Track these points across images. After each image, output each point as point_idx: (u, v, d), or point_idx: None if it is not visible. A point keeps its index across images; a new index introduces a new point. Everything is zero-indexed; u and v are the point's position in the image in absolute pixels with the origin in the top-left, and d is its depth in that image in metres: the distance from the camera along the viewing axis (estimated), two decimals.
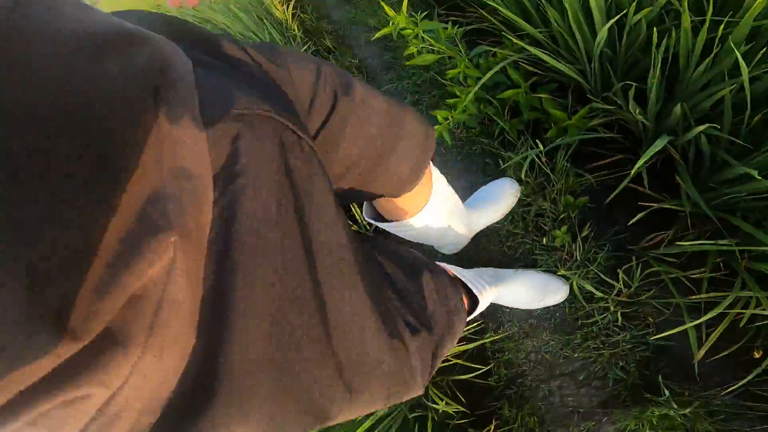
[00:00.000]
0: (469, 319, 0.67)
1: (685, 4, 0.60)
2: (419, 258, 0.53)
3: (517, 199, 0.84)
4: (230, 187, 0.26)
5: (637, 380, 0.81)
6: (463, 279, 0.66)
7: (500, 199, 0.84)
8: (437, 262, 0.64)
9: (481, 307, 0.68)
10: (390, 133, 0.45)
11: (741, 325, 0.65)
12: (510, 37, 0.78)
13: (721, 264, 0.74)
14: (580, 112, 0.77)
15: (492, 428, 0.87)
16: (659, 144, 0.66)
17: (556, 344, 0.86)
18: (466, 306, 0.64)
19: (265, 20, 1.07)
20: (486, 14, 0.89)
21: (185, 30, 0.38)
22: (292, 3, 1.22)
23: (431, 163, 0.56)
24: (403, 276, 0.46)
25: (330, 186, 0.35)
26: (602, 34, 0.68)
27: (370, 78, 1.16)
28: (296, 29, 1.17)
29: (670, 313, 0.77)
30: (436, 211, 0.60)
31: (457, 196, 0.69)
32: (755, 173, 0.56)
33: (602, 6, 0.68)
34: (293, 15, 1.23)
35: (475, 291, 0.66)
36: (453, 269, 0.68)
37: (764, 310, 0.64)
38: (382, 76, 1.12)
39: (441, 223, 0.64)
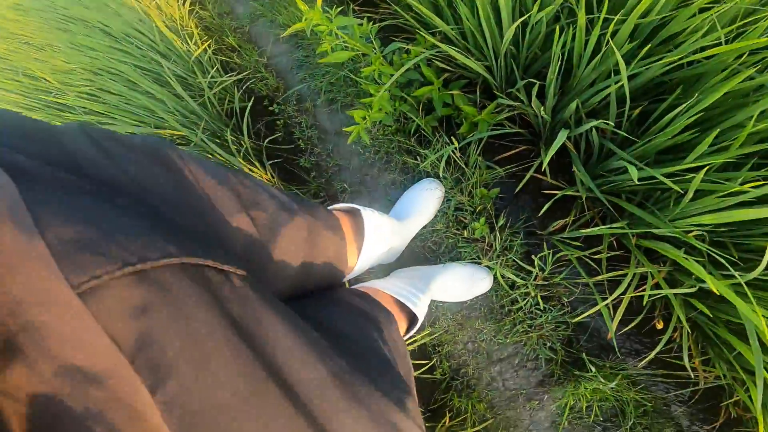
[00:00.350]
0: (411, 333, 0.68)
1: (583, 3, 0.64)
2: (361, 311, 0.50)
3: (442, 196, 0.86)
4: (167, 387, 0.20)
5: (565, 358, 0.87)
6: (399, 298, 0.66)
7: (427, 202, 0.85)
8: (367, 288, 0.64)
9: (420, 320, 0.69)
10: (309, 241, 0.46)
11: (644, 302, 0.72)
12: (423, 33, 0.78)
13: (615, 243, 0.82)
14: (488, 107, 0.80)
15: (446, 420, 0.89)
16: (561, 138, 0.71)
17: (489, 332, 0.90)
18: (405, 324, 0.66)
19: (152, 17, 0.95)
20: (400, 10, 0.90)
21: (20, 129, 0.26)
22: None
23: (356, 212, 0.61)
24: (374, 356, 0.43)
25: (277, 310, 0.30)
26: (510, 31, 0.72)
27: (280, 78, 1.10)
28: (193, 27, 1.06)
29: (579, 291, 0.84)
30: (373, 245, 0.62)
31: (387, 219, 0.69)
32: (634, 170, 0.62)
33: (509, 4, 0.71)
34: (190, 11, 1.12)
35: (412, 308, 0.66)
36: (384, 287, 0.67)
37: (659, 285, 0.72)
38: (294, 76, 1.07)
39: (381, 249, 0.66)
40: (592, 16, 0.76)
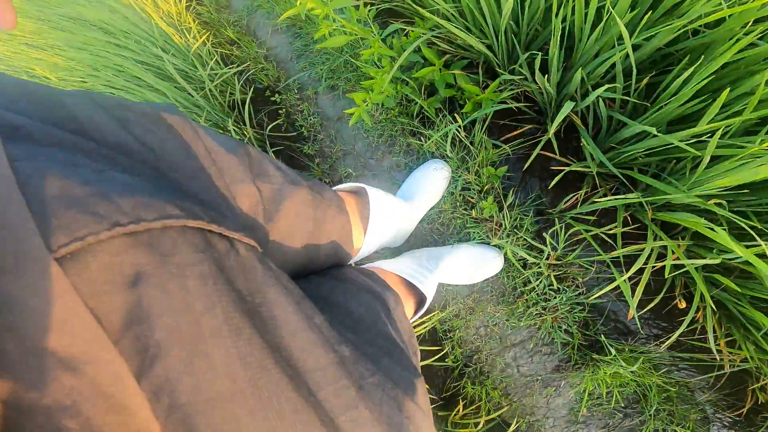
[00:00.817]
0: (420, 314, 0.68)
1: None
2: (368, 288, 0.49)
3: (449, 176, 0.85)
4: (153, 372, 0.18)
5: (582, 342, 0.85)
6: (406, 277, 0.65)
7: (434, 182, 0.85)
8: (373, 268, 0.64)
9: (429, 301, 0.69)
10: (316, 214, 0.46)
11: (666, 274, 0.69)
12: (424, 13, 0.79)
13: (629, 219, 0.81)
14: (492, 85, 0.80)
15: (460, 408, 0.87)
16: (566, 109, 0.70)
17: (502, 316, 0.88)
18: (413, 304, 0.66)
19: (151, 14, 0.97)
20: None
21: (21, 90, 0.24)
22: None
23: (362, 192, 0.60)
24: (383, 338, 0.41)
25: (284, 286, 0.27)
26: (508, 6, 0.72)
27: (280, 68, 1.11)
28: (191, 22, 1.08)
29: (594, 270, 0.83)
30: (379, 226, 0.61)
31: (393, 199, 0.69)
32: (653, 130, 0.61)
33: None
34: (187, 8, 1.14)
35: (420, 286, 0.66)
36: (392, 267, 0.67)
37: (678, 259, 0.70)
38: (294, 65, 1.08)
39: (387, 231, 0.65)
40: None
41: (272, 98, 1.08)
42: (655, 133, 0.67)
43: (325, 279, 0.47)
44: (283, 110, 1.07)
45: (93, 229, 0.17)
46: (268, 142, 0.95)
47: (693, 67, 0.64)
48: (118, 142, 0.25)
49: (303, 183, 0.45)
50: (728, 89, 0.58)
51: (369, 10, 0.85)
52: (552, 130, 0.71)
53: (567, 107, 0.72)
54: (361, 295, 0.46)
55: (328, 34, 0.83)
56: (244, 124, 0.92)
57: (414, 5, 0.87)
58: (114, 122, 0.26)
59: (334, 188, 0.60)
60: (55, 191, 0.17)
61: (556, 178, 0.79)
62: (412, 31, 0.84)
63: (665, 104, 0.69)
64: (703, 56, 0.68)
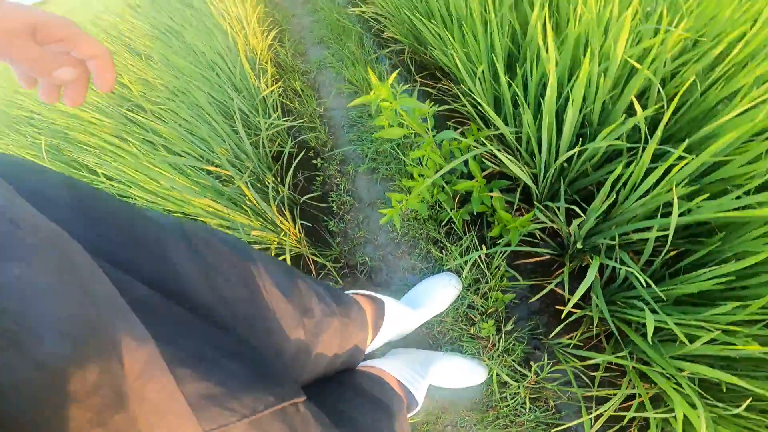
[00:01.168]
0: (410, 415, 0.66)
1: (657, 137, 0.57)
2: (377, 399, 0.51)
3: (459, 293, 0.81)
4: None
5: None
6: (402, 381, 0.65)
7: (443, 296, 0.81)
8: (374, 369, 0.62)
9: (420, 405, 0.67)
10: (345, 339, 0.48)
11: (625, 421, 0.67)
12: (475, 132, 0.72)
13: (614, 363, 0.76)
14: (524, 217, 0.74)
15: None
16: (591, 274, 0.65)
17: (471, 420, 0.85)
18: (405, 404, 0.64)
19: (239, 45, 0.93)
20: (460, 94, 0.83)
21: (129, 226, 0.27)
22: (273, 33, 1.07)
23: (378, 303, 0.61)
24: None
25: (322, 423, 0.32)
26: (567, 154, 0.65)
27: (331, 133, 1.05)
28: (268, 63, 1.03)
29: (567, 397, 0.79)
30: (388, 332, 0.63)
31: (404, 310, 0.68)
32: (651, 324, 0.56)
33: (574, 121, 0.65)
34: (269, 47, 1.09)
35: (414, 393, 0.65)
36: (389, 367, 0.65)
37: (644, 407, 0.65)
38: (344, 134, 1.02)
39: (391, 334, 0.66)
40: (656, 147, 0.68)
41: (314, 161, 1.02)
42: (656, 308, 0.61)
43: (340, 389, 0.49)
44: (321, 178, 1.00)
45: (229, 420, 0.23)
46: (298, 208, 0.91)
47: (717, 267, 0.57)
48: (206, 304, 0.29)
49: (336, 311, 0.46)
50: (737, 304, 0.52)
51: (431, 108, 0.79)
52: (573, 300, 0.65)
53: (593, 270, 0.66)
54: (370, 409, 0.48)
55: (388, 125, 0.78)
56: (282, 183, 0.88)
57: (476, 114, 0.80)
58: (204, 278, 0.29)
59: (356, 292, 0.58)
60: (203, 391, 0.23)
61: (559, 327, 0.73)
62: (464, 142, 0.78)
63: (682, 285, 0.63)
64: (736, 239, 0.60)
